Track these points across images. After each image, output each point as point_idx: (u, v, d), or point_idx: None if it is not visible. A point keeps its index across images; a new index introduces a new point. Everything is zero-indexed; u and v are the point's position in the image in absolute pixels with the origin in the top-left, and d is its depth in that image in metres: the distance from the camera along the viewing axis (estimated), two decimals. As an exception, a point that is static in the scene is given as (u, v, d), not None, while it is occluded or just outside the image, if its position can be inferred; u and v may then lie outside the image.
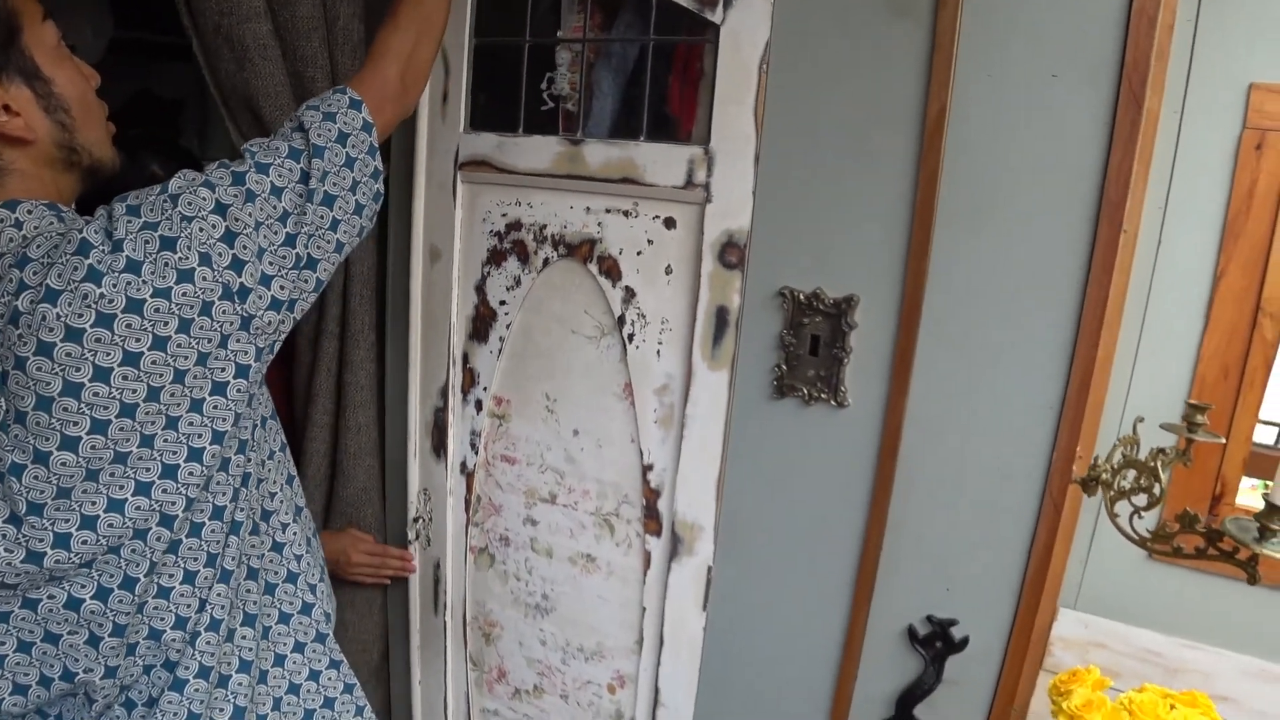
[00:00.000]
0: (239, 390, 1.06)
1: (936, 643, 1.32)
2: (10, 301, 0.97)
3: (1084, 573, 1.79)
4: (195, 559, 1.09)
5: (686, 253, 1.37)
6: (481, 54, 1.49)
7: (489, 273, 1.53)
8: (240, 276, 1.02)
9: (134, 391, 0.97)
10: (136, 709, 1.13)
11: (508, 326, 1.54)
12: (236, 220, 1.01)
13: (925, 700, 1.34)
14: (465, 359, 1.59)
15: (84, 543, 1.01)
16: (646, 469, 1.47)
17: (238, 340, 1.04)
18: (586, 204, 1.44)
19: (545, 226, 1.47)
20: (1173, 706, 1.39)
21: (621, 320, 1.44)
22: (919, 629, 1.33)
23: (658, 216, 1.39)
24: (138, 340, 0.96)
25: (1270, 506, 1.18)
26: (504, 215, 1.50)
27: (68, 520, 1.00)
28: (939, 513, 1.30)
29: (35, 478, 0.98)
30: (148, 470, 1.02)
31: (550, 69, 1.45)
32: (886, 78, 1.22)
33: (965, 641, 1.31)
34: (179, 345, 0.99)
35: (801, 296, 1.31)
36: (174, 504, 1.04)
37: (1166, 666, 1.81)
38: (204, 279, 0.99)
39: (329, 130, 1.09)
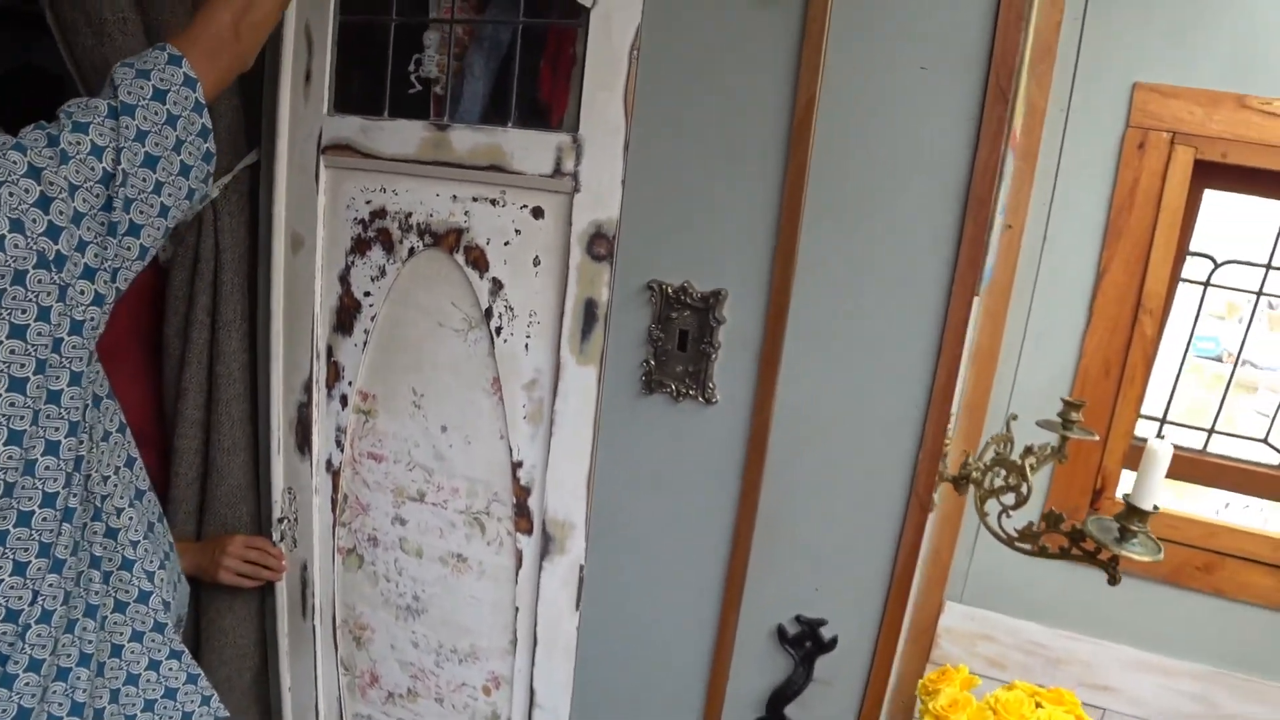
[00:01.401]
0: (55, 367, 0.99)
1: (806, 643, 1.30)
2: None
3: (970, 566, 1.80)
4: (26, 549, 1.02)
5: (555, 244, 1.32)
6: (347, 32, 1.41)
7: (353, 262, 1.46)
8: (56, 243, 0.95)
9: None
10: None
11: (373, 319, 1.47)
12: (50, 185, 0.94)
13: (796, 700, 1.31)
14: (330, 352, 1.51)
15: None
16: (516, 466, 1.41)
17: (58, 312, 0.97)
18: (454, 192, 1.37)
19: (411, 215, 1.40)
20: (1039, 704, 1.40)
21: (489, 313, 1.38)
22: (788, 629, 1.31)
23: (525, 206, 1.33)
24: None
25: (1130, 508, 1.18)
26: (368, 202, 1.43)
27: None
28: (808, 511, 1.27)
29: None
30: None
31: (418, 50, 1.39)
32: (756, 66, 1.18)
33: (834, 641, 1.28)
34: None
35: (670, 290, 1.27)
36: None
37: (1049, 657, 1.83)
38: (15, 246, 0.92)
39: (141, 88, 1.01)
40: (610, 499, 1.38)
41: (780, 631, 1.31)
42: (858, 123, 1.15)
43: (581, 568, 1.40)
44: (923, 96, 1.12)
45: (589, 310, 1.31)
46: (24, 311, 0.95)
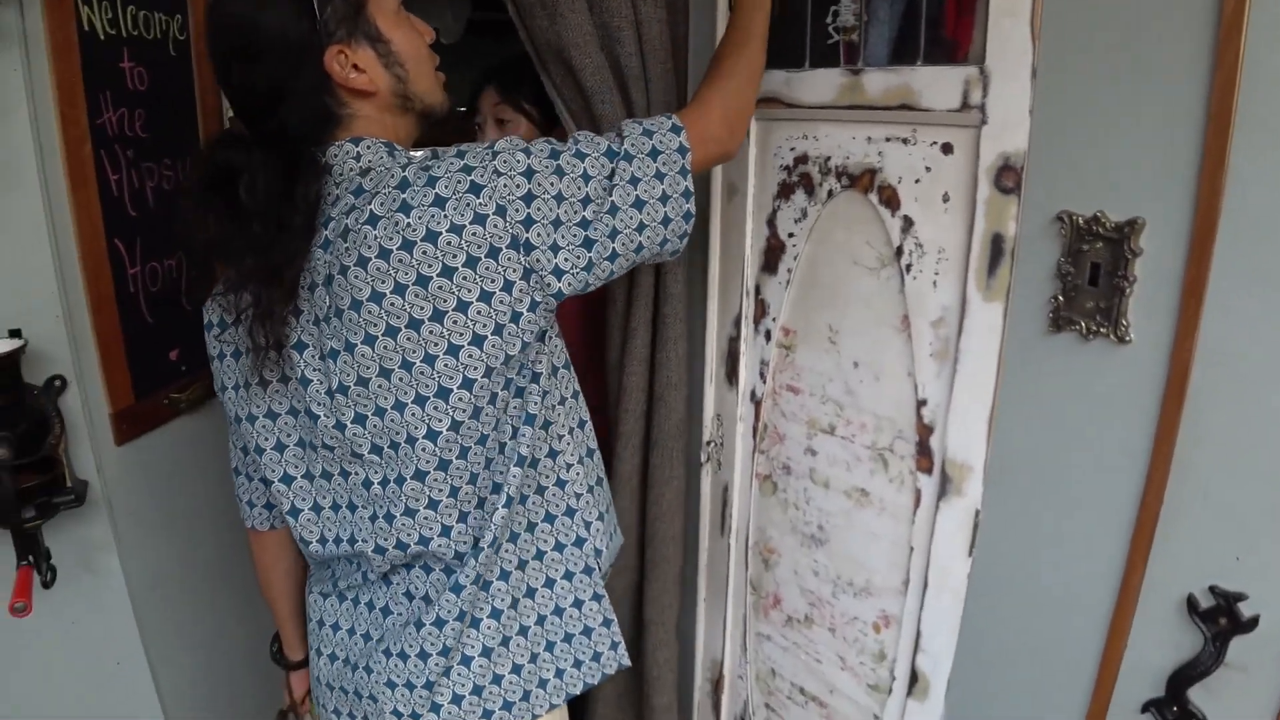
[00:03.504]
0: (511, 335, 1.16)
1: (1220, 618, 1.14)
2: (343, 220, 1.15)
3: None
4: (462, 478, 1.23)
5: (963, 179, 1.30)
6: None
7: (779, 206, 1.56)
8: (528, 233, 1.13)
9: (421, 309, 1.12)
10: (415, 599, 1.30)
11: (795, 258, 1.55)
12: (539, 186, 1.14)
13: (1202, 683, 1.15)
14: (757, 290, 1.63)
15: (374, 427, 1.19)
16: (920, 404, 1.41)
17: (520, 289, 1.15)
18: (868, 134, 1.41)
19: (829, 158, 1.47)
20: None
21: (900, 251, 1.40)
22: (1200, 600, 1.15)
23: (935, 143, 1.33)
24: (429, 266, 1.11)
25: None
26: (792, 149, 1.52)
27: (365, 406, 1.18)
28: (1231, 468, 1.11)
29: (345, 363, 1.17)
30: (426, 386, 1.16)
31: (835, 2, 1.45)
32: (1176, -31, 1.07)
33: (1255, 621, 1.11)
34: (464, 278, 1.12)
35: (1081, 221, 1.19)
36: (441, 421, 1.18)
37: None
38: (495, 226, 1.12)
39: (643, 143, 1.21)
40: (1011, 442, 1.32)
41: (1190, 602, 1.16)
42: (1304, 17, 0.99)
43: (978, 512, 1.36)
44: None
45: (996, 245, 1.28)
46: (492, 281, 1.14)
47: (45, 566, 1.45)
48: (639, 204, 1.19)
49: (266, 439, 1.30)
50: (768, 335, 1.63)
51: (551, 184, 1.15)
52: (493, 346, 1.16)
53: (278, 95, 1.18)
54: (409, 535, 1.23)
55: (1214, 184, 1.07)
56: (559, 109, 1.74)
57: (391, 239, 1.11)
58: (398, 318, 1.13)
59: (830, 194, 1.48)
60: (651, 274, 1.73)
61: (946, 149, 1.32)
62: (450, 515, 1.23)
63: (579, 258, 1.17)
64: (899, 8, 1.41)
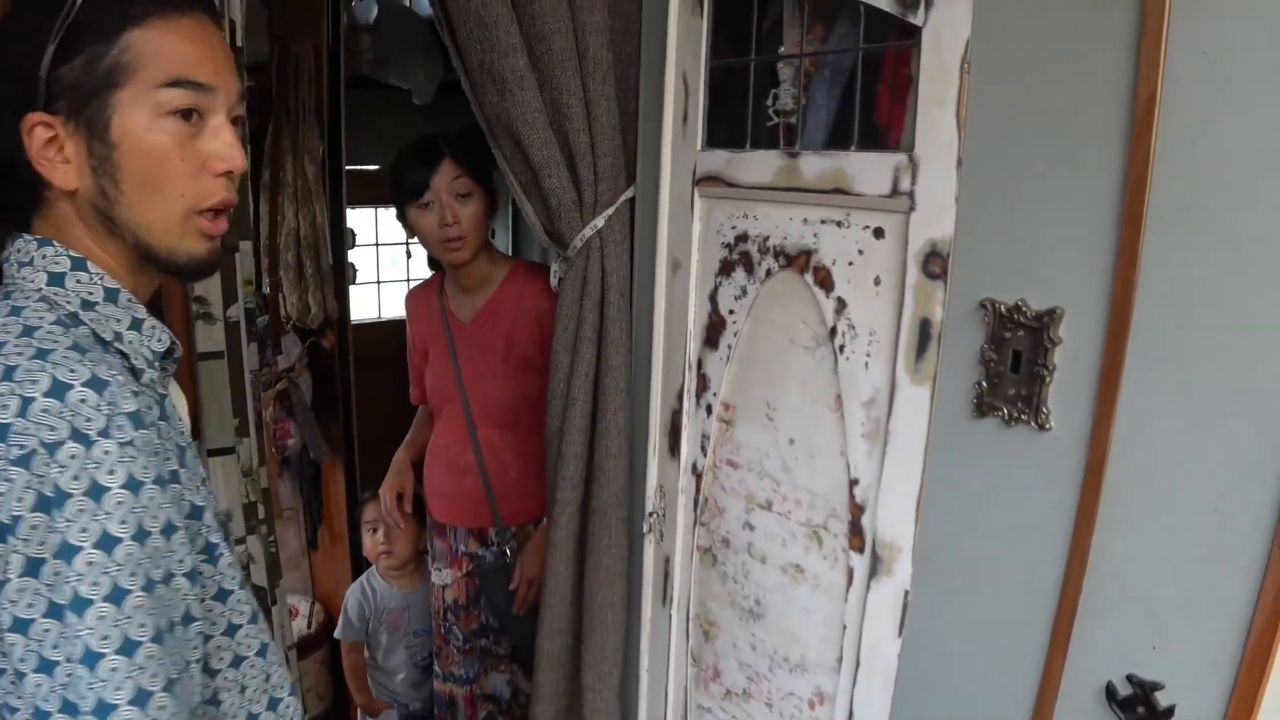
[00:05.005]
0: None
1: (1138, 707, 1.11)
2: None
3: None
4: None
5: (893, 263, 1.30)
6: (715, 75, 1.53)
7: (720, 283, 1.56)
8: None
9: None
10: None
11: (735, 334, 1.54)
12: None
13: (1124, 772, 1.14)
14: (699, 364, 1.62)
15: None
16: (853, 483, 1.39)
17: None
18: (804, 215, 1.41)
19: (768, 238, 1.47)
20: None
21: (834, 331, 1.39)
22: (1118, 688, 1.13)
23: (867, 226, 1.33)
24: None
25: None
26: (733, 228, 1.52)
27: None
28: (1147, 556, 1.10)
29: None
30: None
31: (775, 85, 1.46)
32: (1089, 67, 1.07)
33: (1171, 711, 1.08)
34: None
35: (1003, 309, 1.19)
36: None
37: None
38: None
39: None
40: (938, 525, 1.30)
41: (1109, 690, 1.14)
42: (1207, 116, 0.99)
43: (907, 593, 1.34)
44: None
45: (924, 329, 1.27)
46: None
47: None
48: None
49: None
50: (709, 409, 1.62)
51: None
52: None
53: None
54: None
55: (1128, 275, 1.07)
56: (509, 181, 1.75)
57: None
58: None
59: (769, 273, 1.48)
60: (593, 345, 1.73)
61: (878, 233, 1.32)
62: None
63: None
64: (836, 92, 1.43)
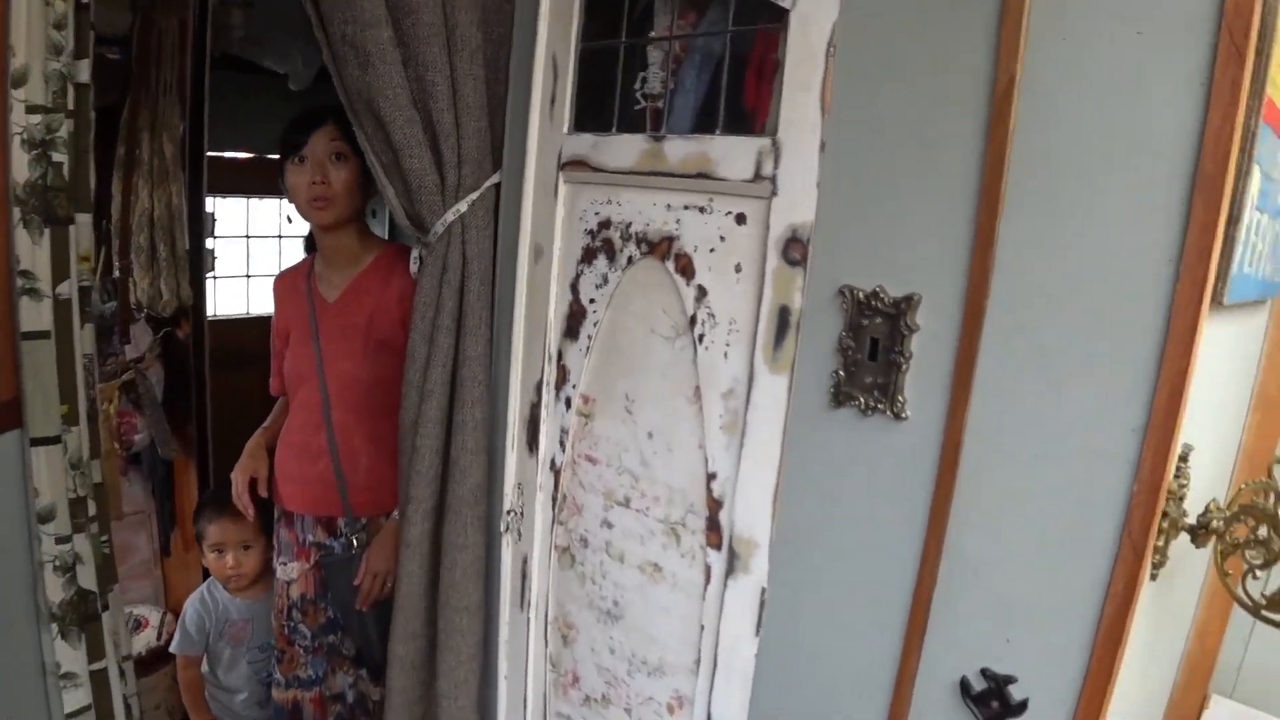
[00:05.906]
0: None
1: (992, 701, 1.08)
2: None
3: (1245, 655, 1.42)
4: None
5: (754, 250, 1.25)
6: (585, 57, 1.47)
7: (582, 270, 1.49)
8: None
9: None
10: None
11: (595, 324, 1.47)
12: None
13: (977, 767, 1.10)
14: (559, 355, 1.54)
15: None
16: (711, 478, 1.34)
17: None
18: (668, 201, 1.35)
19: (630, 224, 1.40)
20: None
21: (694, 320, 1.33)
22: (973, 683, 1.10)
23: (730, 212, 1.28)
24: None
25: None
26: (596, 214, 1.45)
27: None
28: (1000, 548, 1.07)
29: None
30: None
31: (644, 68, 1.40)
32: (952, 52, 1.04)
33: (1023, 705, 1.06)
34: None
35: (861, 295, 1.15)
36: None
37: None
38: None
39: None
40: (794, 519, 1.25)
41: (964, 685, 1.11)
42: (1065, 102, 0.97)
43: (764, 590, 1.28)
44: (1139, 65, 0.93)
45: (782, 317, 1.23)
46: None
47: None
48: None
49: None
50: (568, 402, 1.54)
51: None
52: None
53: None
54: None
55: (984, 260, 1.04)
56: (370, 162, 1.65)
57: None
58: None
59: (630, 260, 1.41)
60: (451, 335, 1.63)
61: (740, 219, 1.27)
62: None
63: None
64: (705, 77, 1.38)
